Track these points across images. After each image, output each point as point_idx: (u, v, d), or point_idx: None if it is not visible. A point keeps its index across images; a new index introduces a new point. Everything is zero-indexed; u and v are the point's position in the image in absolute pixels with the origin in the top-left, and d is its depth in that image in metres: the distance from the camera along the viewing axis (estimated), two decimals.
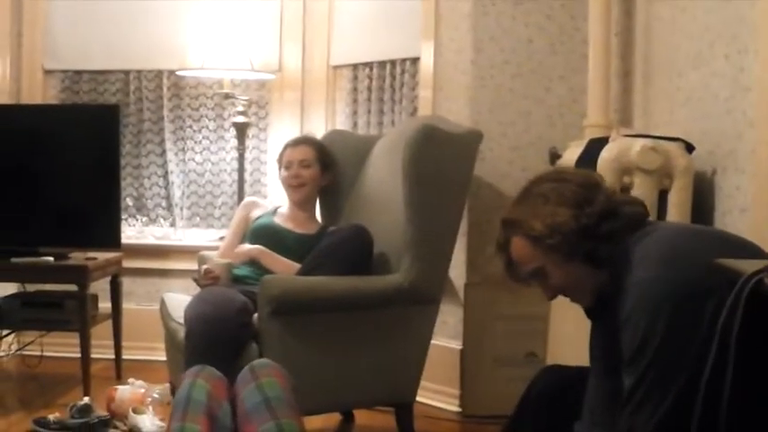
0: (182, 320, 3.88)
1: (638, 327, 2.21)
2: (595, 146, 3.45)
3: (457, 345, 4.67)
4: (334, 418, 4.47)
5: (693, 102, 3.51)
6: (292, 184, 4.48)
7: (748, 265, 1.94)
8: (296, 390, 3.08)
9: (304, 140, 4.63)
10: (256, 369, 3.12)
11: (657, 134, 3.46)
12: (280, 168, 4.58)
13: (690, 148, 3.33)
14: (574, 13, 4.58)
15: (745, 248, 2.34)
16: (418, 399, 4.25)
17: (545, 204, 2.45)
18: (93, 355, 4.82)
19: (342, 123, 5.60)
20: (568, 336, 3.61)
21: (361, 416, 4.51)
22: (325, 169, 4.55)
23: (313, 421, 4.24)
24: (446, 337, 4.69)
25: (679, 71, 3.68)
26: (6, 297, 5.05)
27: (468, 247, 4.63)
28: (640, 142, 3.29)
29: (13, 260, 4.80)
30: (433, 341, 4.17)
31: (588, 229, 2.39)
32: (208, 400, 3.00)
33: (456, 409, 4.67)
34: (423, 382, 4.16)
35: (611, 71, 4.20)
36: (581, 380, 2.58)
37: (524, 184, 2.59)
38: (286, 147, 4.61)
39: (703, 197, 3.30)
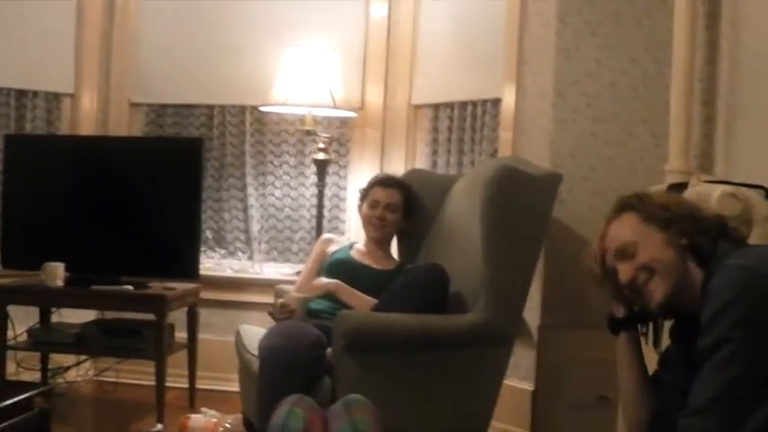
0: (256, 352, 3.90)
1: (726, 293, 2.21)
2: (675, 191, 3.42)
3: (529, 386, 4.64)
4: None
5: None
6: (374, 224, 4.51)
7: None
8: (386, 429, 3.10)
9: (395, 184, 4.62)
10: (351, 405, 3.15)
11: (738, 181, 3.43)
12: (362, 201, 4.60)
13: None
14: (658, 58, 4.56)
15: None
16: None
17: (669, 197, 2.68)
18: (167, 384, 4.87)
19: (422, 162, 5.62)
20: None
21: None
22: (407, 215, 4.57)
23: None
24: (518, 379, 4.67)
25: (763, 119, 3.65)
26: (86, 323, 5.13)
27: (544, 290, 4.60)
28: (720, 188, 3.26)
29: (94, 288, 4.89)
30: (505, 381, 4.15)
31: (702, 225, 2.47)
32: (303, 430, 3.02)
33: None
34: (493, 422, 4.13)
35: (693, 117, 4.18)
36: None
37: None
38: (375, 184, 4.62)
39: None
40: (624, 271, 2.52)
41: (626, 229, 2.54)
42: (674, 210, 2.50)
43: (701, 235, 2.45)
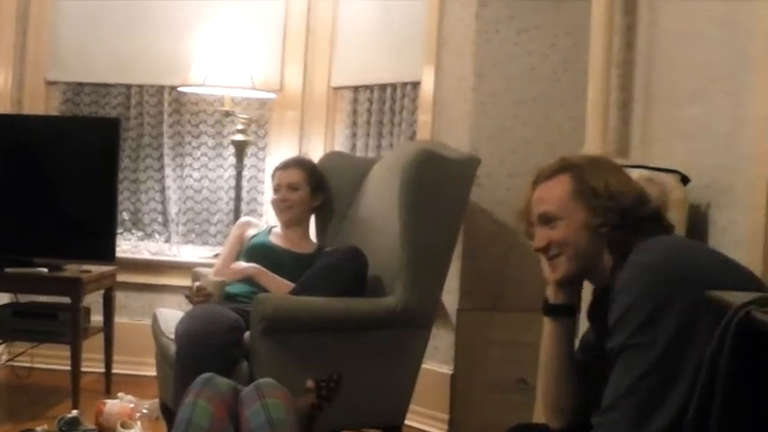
0: (173, 336, 3.88)
1: (630, 295, 2.22)
2: None
3: (448, 369, 4.66)
4: None
5: (692, 135, 3.51)
6: (279, 207, 4.51)
7: (736, 297, 1.94)
8: (298, 412, 3.10)
9: (294, 163, 4.64)
10: (263, 388, 3.13)
11: (654, 165, 3.46)
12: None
13: (685, 180, 3.33)
14: (577, 42, 4.56)
15: (740, 269, 2.36)
16: (407, 422, 4.24)
17: (615, 173, 2.54)
18: (83, 368, 4.81)
19: (341, 145, 5.60)
20: None
21: None
22: (316, 191, 4.56)
23: None
24: (437, 362, 4.69)
25: (679, 104, 3.68)
26: None
27: (462, 273, 4.62)
28: (636, 172, 3.28)
29: (7, 270, 4.81)
30: (423, 365, 4.16)
31: (629, 220, 2.43)
32: (210, 425, 2.99)
33: None
34: (412, 406, 4.15)
35: (610, 101, 4.20)
36: None
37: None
38: (276, 169, 4.63)
39: (697, 230, 3.30)
40: (540, 237, 2.54)
41: (554, 195, 2.51)
42: (608, 196, 2.44)
43: (622, 231, 2.41)
